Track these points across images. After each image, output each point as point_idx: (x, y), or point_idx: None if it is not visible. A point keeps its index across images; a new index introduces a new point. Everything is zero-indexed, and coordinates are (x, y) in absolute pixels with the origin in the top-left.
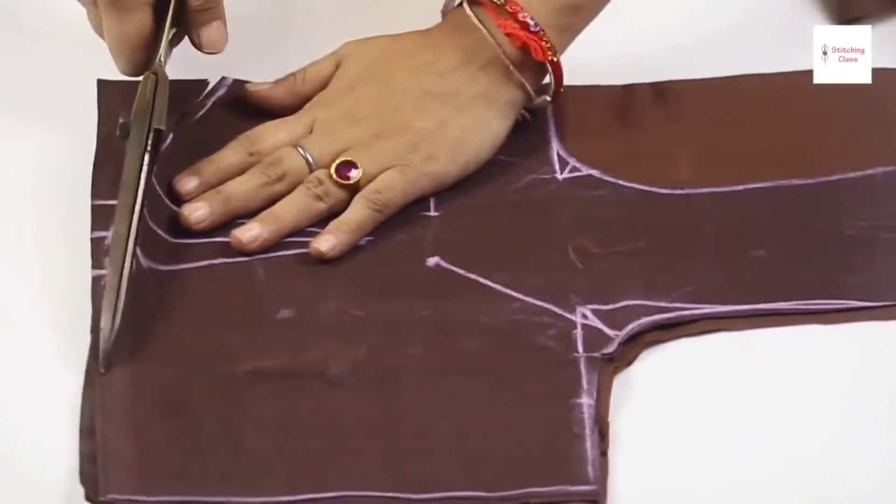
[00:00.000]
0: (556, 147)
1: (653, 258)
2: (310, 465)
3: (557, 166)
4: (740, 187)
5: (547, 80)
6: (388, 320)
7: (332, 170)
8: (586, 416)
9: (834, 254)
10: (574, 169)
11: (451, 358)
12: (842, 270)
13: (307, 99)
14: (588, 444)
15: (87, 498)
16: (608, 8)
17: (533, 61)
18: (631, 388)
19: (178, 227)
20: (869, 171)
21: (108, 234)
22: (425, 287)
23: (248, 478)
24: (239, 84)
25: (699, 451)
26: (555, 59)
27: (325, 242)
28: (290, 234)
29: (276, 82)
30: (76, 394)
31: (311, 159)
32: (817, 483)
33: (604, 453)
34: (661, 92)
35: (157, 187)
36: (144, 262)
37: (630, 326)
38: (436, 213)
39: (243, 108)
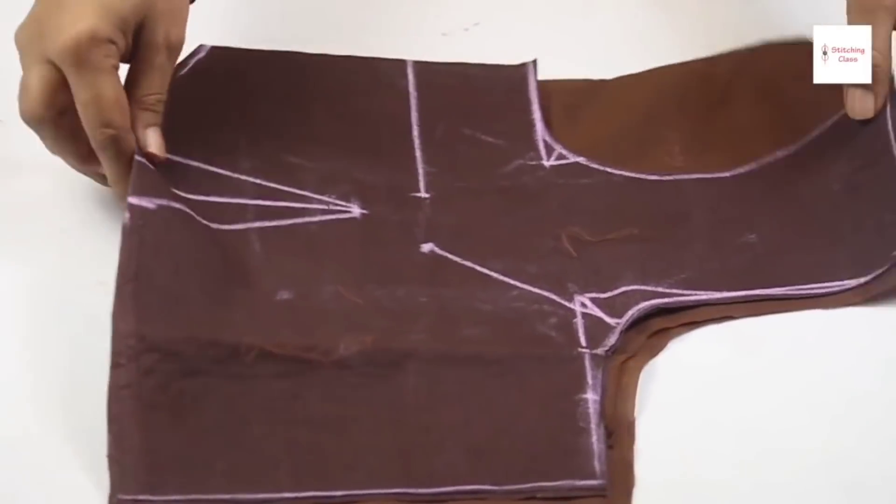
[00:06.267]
0: (541, 133)
1: (646, 244)
2: (316, 460)
3: (544, 153)
4: (727, 174)
5: None
6: (389, 307)
7: None
8: (591, 411)
9: (823, 222)
10: (561, 156)
11: (456, 344)
12: (832, 244)
13: None
14: (594, 439)
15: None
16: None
17: None
18: (651, 382)
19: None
20: (843, 111)
21: None
22: (422, 274)
23: (253, 473)
24: (217, 51)
25: (722, 444)
26: None
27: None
28: None
29: None
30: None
31: None
32: (843, 472)
33: (611, 447)
34: (640, 79)
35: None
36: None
37: (629, 313)
38: (426, 195)
39: (216, 74)
